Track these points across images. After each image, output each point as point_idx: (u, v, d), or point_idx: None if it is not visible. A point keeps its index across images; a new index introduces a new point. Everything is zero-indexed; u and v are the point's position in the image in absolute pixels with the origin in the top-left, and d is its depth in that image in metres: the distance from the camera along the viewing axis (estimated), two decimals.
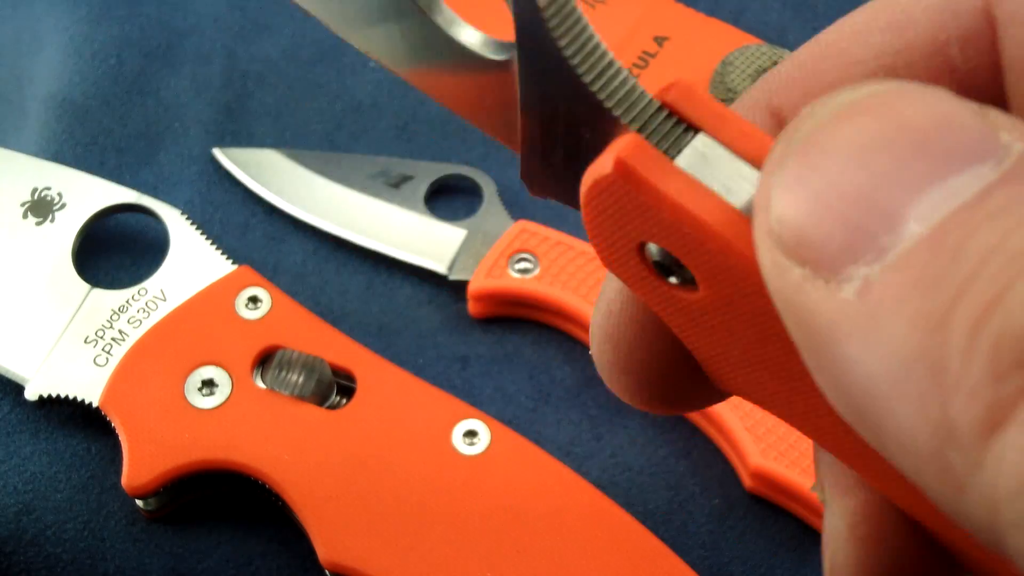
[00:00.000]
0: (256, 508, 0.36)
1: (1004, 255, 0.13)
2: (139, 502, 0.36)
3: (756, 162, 0.16)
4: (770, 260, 0.15)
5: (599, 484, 0.35)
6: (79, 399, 0.36)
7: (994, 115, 0.14)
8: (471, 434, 0.35)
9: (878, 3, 0.19)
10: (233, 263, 0.39)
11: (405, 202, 0.43)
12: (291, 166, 0.44)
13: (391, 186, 0.44)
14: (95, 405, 0.36)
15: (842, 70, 0.19)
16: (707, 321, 0.17)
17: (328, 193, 0.44)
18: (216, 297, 0.38)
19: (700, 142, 0.16)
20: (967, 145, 0.14)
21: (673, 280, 0.17)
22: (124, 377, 0.36)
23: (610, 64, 0.17)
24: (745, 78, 0.42)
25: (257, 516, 0.37)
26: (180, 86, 0.48)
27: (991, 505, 0.12)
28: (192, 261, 0.39)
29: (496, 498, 0.34)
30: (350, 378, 0.37)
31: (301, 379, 0.36)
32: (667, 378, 0.20)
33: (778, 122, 0.19)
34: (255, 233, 0.44)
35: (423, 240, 0.42)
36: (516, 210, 0.44)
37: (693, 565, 0.34)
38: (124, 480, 0.34)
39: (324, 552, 0.33)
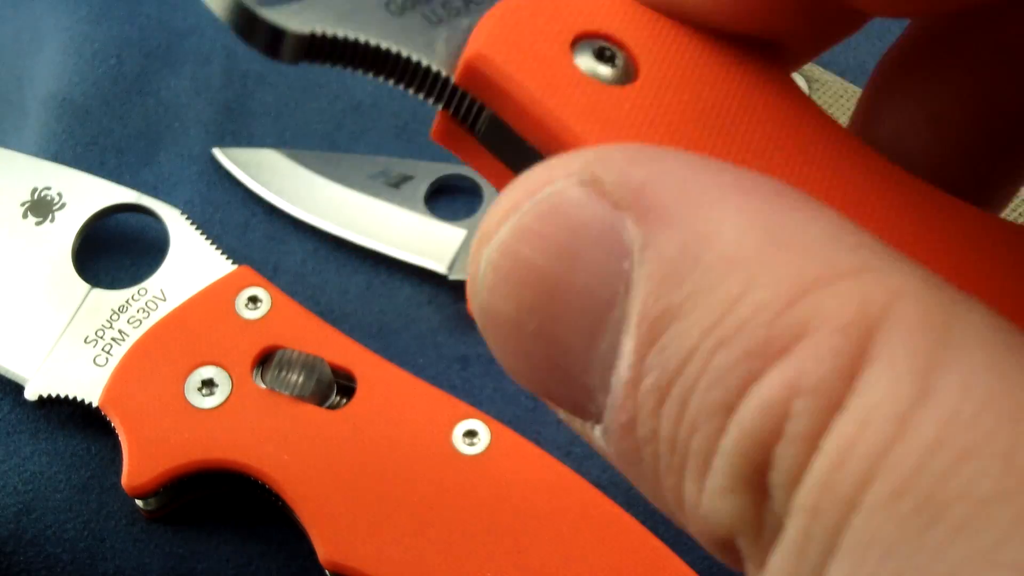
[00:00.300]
0: (256, 508, 0.36)
1: (666, 447, 0.13)
2: (139, 502, 0.36)
3: None
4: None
5: (599, 484, 0.35)
6: (79, 399, 0.36)
7: (613, 177, 0.14)
8: (471, 434, 0.35)
9: None
10: (233, 263, 0.39)
11: (405, 202, 0.43)
12: (291, 166, 0.44)
13: (391, 186, 0.44)
14: (95, 405, 0.36)
15: None
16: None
17: (328, 193, 0.44)
18: (216, 297, 0.38)
19: None
20: (603, 282, 0.14)
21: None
22: (124, 377, 0.36)
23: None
24: None
25: (257, 516, 0.37)
26: (180, 86, 0.48)
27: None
28: (192, 261, 0.39)
29: (496, 498, 0.34)
30: (350, 378, 0.37)
31: (301, 379, 0.36)
32: None
33: None
34: (255, 233, 0.44)
35: (423, 240, 0.42)
36: None
37: (693, 565, 0.34)
38: (124, 480, 0.34)
39: (324, 552, 0.33)
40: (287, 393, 0.36)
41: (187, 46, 0.49)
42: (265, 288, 0.38)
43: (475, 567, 0.33)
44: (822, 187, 0.18)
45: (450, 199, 0.44)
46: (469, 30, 0.17)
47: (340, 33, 0.16)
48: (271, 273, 0.42)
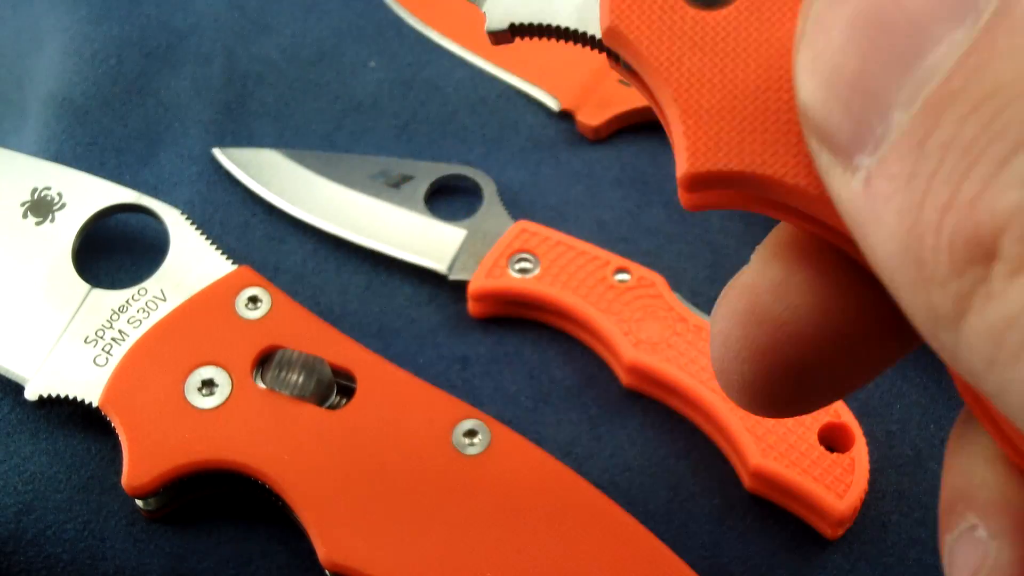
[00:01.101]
0: (256, 508, 0.36)
1: (957, 149, 0.14)
2: (139, 502, 0.36)
3: None
4: (808, 142, 0.16)
5: (599, 484, 0.35)
6: (79, 399, 0.36)
7: None
8: (471, 434, 0.35)
9: None
10: (233, 263, 0.39)
11: (405, 202, 0.43)
12: (291, 166, 0.44)
13: (391, 186, 0.44)
14: (95, 405, 0.36)
15: None
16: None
17: (328, 193, 0.44)
18: (216, 297, 0.38)
19: None
20: (944, 10, 0.14)
21: None
22: (124, 377, 0.36)
23: None
24: None
25: (257, 516, 0.37)
26: (180, 86, 0.48)
27: (974, 368, 0.14)
28: (192, 261, 0.39)
29: (496, 498, 0.34)
30: (350, 378, 0.37)
31: (301, 379, 0.36)
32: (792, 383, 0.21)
33: None
34: (255, 233, 0.44)
35: (423, 240, 0.42)
36: (516, 210, 0.44)
37: (693, 565, 0.34)
38: (124, 480, 0.34)
39: (324, 552, 0.33)
40: (287, 393, 0.36)
41: (187, 46, 0.49)
42: (265, 288, 0.38)
43: (475, 567, 0.33)
44: None
45: (450, 199, 0.44)
46: None
47: (532, 20, 0.21)
48: (271, 273, 0.42)
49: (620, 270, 0.40)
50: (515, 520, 0.34)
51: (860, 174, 0.15)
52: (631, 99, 0.45)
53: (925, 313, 0.15)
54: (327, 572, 0.34)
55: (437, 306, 0.42)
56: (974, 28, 0.14)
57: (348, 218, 0.43)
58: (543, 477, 0.35)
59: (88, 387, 0.36)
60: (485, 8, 0.22)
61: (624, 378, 0.40)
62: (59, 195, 0.40)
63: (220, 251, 0.39)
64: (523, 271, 0.41)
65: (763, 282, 0.21)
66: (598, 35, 0.21)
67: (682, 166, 0.19)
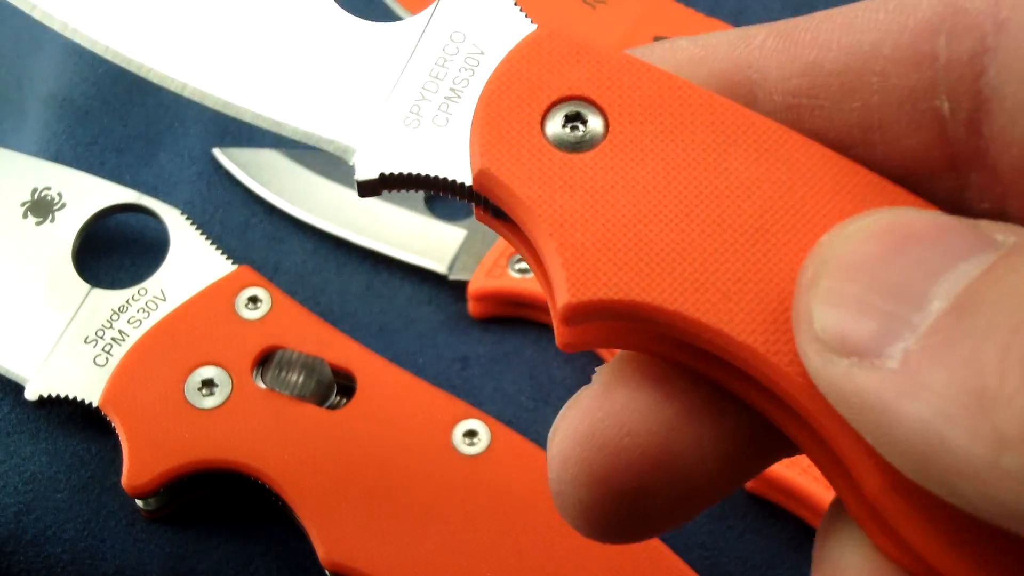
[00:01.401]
0: (256, 508, 0.36)
1: (1014, 299, 0.16)
2: (139, 502, 0.36)
3: None
4: (820, 360, 0.17)
5: None
6: (79, 399, 0.36)
7: (985, 224, 0.17)
8: (471, 434, 0.35)
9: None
10: (233, 263, 0.39)
11: (405, 202, 0.43)
12: (291, 166, 0.44)
13: None
14: (95, 405, 0.36)
15: (842, 35, 0.20)
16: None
17: (328, 193, 0.44)
18: (216, 297, 0.38)
19: None
20: (969, 242, 0.17)
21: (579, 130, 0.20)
22: (124, 377, 0.36)
23: None
24: None
25: (257, 516, 0.37)
26: None
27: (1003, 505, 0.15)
28: (192, 261, 0.39)
29: (496, 498, 0.34)
30: (350, 378, 0.37)
31: (301, 379, 0.36)
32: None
33: (747, 92, 0.21)
34: (255, 233, 0.44)
35: (423, 240, 0.42)
36: None
37: (693, 565, 0.34)
38: (124, 480, 0.34)
39: (324, 552, 0.33)
40: (287, 393, 0.36)
41: None
42: (265, 288, 0.38)
43: (475, 567, 0.33)
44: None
45: (450, 199, 0.44)
46: (467, 130, 0.21)
47: (401, 170, 0.22)
48: (271, 273, 0.42)
49: None
50: (515, 520, 0.34)
51: (894, 359, 0.16)
52: None
53: (985, 444, 0.15)
54: (327, 572, 0.34)
55: (437, 306, 0.42)
56: (996, 253, 0.16)
57: (348, 218, 0.43)
58: (543, 477, 0.35)
59: (88, 387, 0.36)
60: (354, 161, 0.22)
61: None
62: (59, 195, 0.40)
63: (220, 251, 0.39)
64: (523, 271, 0.41)
65: (605, 406, 0.21)
66: (468, 182, 0.21)
67: (561, 298, 0.19)
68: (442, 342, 0.41)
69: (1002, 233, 0.17)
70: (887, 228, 0.17)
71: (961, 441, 0.15)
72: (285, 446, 0.35)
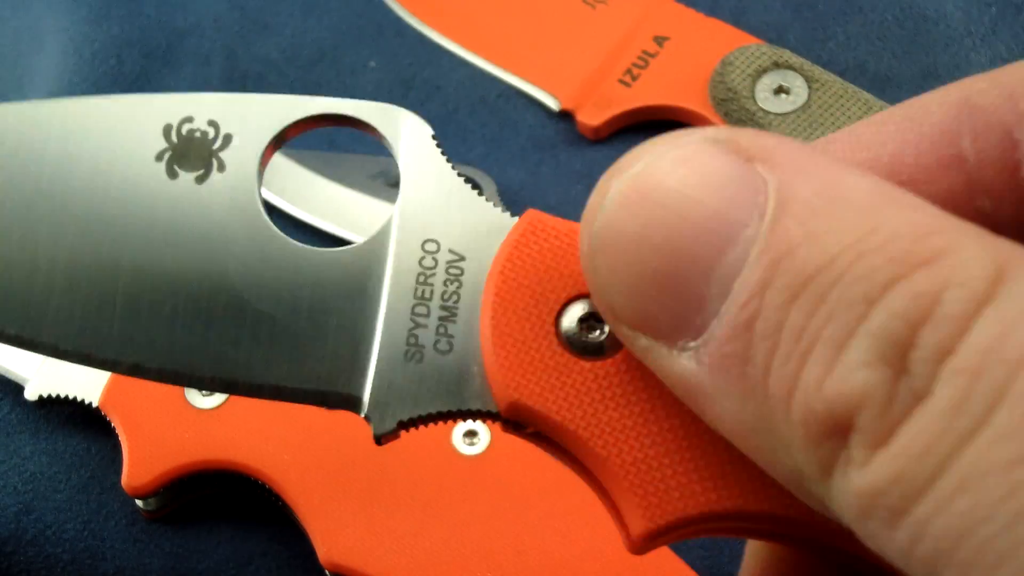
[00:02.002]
0: (256, 508, 0.36)
1: (788, 335, 0.15)
2: (139, 502, 0.36)
3: None
4: (617, 332, 0.18)
5: None
6: (79, 399, 0.36)
7: (747, 141, 0.17)
8: (471, 434, 0.35)
9: (904, 104, 0.20)
10: None
11: None
12: (291, 166, 0.44)
13: (391, 186, 0.44)
14: (95, 405, 0.36)
15: (852, 153, 0.20)
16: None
17: (328, 193, 0.44)
18: None
19: None
20: (732, 211, 0.16)
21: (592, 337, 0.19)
22: (124, 377, 0.36)
23: None
24: (745, 78, 0.42)
25: (257, 516, 0.37)
26: (180, 86, 0.48)
27: (847, 519, 0.15)
28: None
29: (496, 498, 0.34)
30: None
31: None
32: None
33: None
34: None
35: None
36: (516, 210, 0.44)
37: (693, 565, 0.34)
38: (124, 480, 0.34)
39: (324, 552, 0.33)
40: None
41: (187, 46, 0.49)
42: None
43: (475, 567, 0.33)
44: None
45: None
46: (475, 352, 0.20)
47: (419, 413, 0.20)
48: None
49: None
50: (515, 520, 0.34)
51: (687, 353, 0.16)
52: (631, 99, 0.45)
53: (789, 474, 0.16)
54: (327, 572, 0.34)
55: None
56: (762, 223, 0.16)
57: (348, 218, 0.43)
58: (543, 477, 0.35)
59: (88, 387, 0.36)
60: (366, 414, 0.20)
61: None
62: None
63: None
64: None
65: None
66: (495, 409, 0.20)
67: (638, 526, 0.18)
68: None
69: (763, 162, 0.17)
70: (641, 196, 0.17)
71: (767, 460, 0.16)
72: (285, 446, 0.35)
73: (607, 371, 0.19)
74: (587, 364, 0.19)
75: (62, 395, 0.36)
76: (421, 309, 0.20)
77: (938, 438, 0.14)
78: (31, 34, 0.50)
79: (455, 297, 0.20)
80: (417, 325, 0.20)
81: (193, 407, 0.35)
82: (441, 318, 0.20)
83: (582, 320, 0.19)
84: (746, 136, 0.17)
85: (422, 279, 0.20)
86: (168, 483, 0.35)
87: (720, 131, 0.17)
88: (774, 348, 0.15)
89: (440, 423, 0.20)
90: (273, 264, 0.22)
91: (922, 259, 0.15)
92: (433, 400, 0.20)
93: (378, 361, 0.20)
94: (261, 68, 0.48)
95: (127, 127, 0.23)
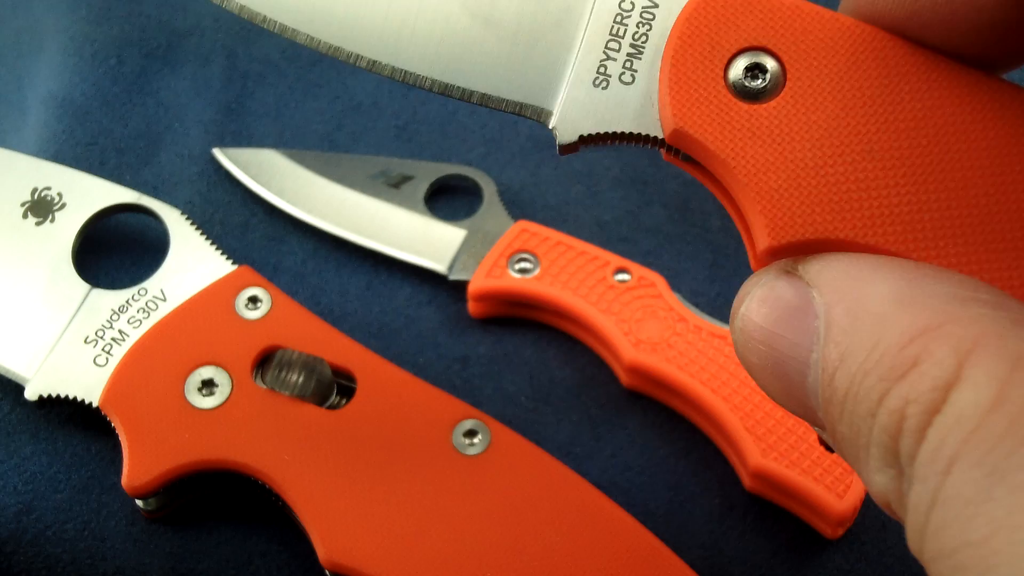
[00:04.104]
0: (256, 508, 0.36)
1: (845, 445, 0.21)
2: (139, 502, 0.36)
3: None
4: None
5: (599, 484, 0.35)
6: (79, 399, 0.36)
7: (805, 267, 0.22)
8: (471, 434, 0.35)
9: None
10: (233, 263, 0.39)
11: (405, 202, 0.43)
12: (291, 166, 0.44)
13: (391, 186, 0.44)
14: (95, 405, 0.36)
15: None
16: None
17: (328, 193, 0.44)
18: (216, 297, 0.38)
19: None
20: (804, 335, 0.22)
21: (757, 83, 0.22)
22: (124, 377, 0.36)
23: None
24: None
25: (257, 516, 0.37)
26: (180, 86, 0.48)
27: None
28: (192, 261, 0.39)
29: (496, 498, 0.34)
30: (350, 378, 0.37)
31: (301, 379, 0.36)
32: None
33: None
34: (255, 233, 0.44)
35: (423, 240, 0.42)
36: (516, 210, 0.44)
37: (693, 565, 0.34)
38: (124, 480, 0.34)
39: (324, 552, 0.33)
40: (287, 393, 0.36)
41: (187, 46, 0.49)
42: (265, 288, 0.38)
43: (475, 567, 0.33)
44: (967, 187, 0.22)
45: (450, 199, 0.44)
46: (653, 86, 0.23)
47: (598, 130, 0.24)
48: (271, 273, 0.42)
49: (620, 270, 0.40)
50: (515, 520, 0.34)
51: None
52: None
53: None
54: (327, 572, 0.34)
55: (437, 306, 0.42)
56: (819, 346, 0.21)
57: (348, 218, 0.43)
58: (543, 477, 0.35)
59: (88, 387, 0.36)
60: (554, 125, 0.24)
61: (624, 378, 0.40)
62: (59, 195, 0.40)
63: (220, 251, 0.39)
64: (523, 271, 0.41)
65: None
66: (660, 135, 0.23)
67: (762, 241, 0.22)
68: (442, 342, 0.41)
69: (815, 289, 0.21)
70: (746, 337, 0.22)
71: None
72: (285, 446, 0.35)
73: (761, 114, 0.22)
74: (745, 106, 0.22)
75: (62, 395, 0.36)
76: (613, 45, 0.24)
77: (922, 515, 0.18)
78: (31, 34, 0.50)
79: (644, 38, 0.23)
80: (608, 58, 0.24)
81: (193, 407, 0.35)
82: (629, 54, 0.23)
83: (747, 69, 0.22)
84: (806, 263, 0.22)
85: (619, 19, 0.24)
86: (168, 483, 0.35)
87: (792, 262, 0.22)
88: (846, 447, 0.20)
89: (613, 143, 0.24)
90: None
91: (899, 373, 0.19)
92: (611, 122, 0.23)
93: (570, 84, 0.24)
94: (261, 68, 0.48)
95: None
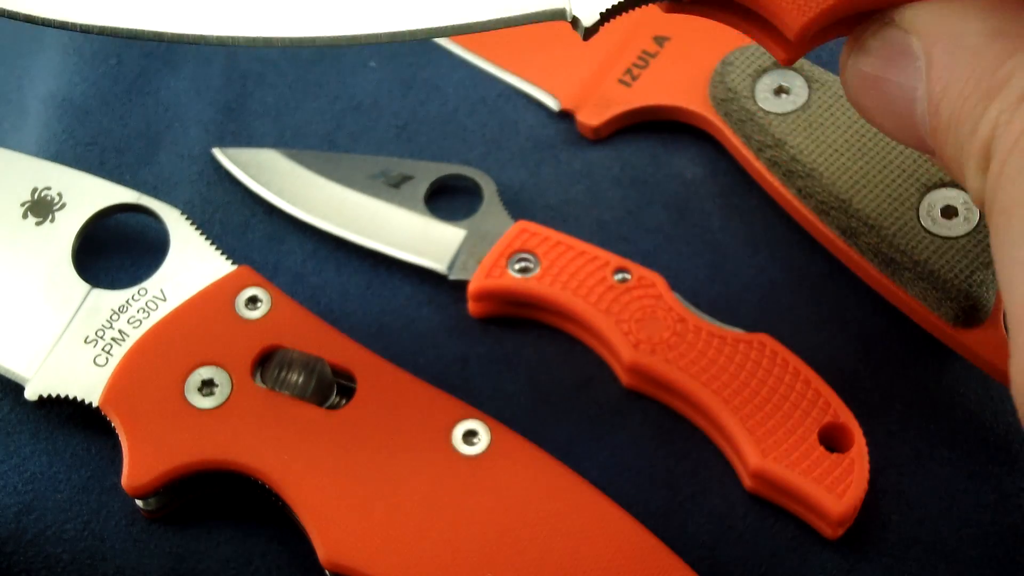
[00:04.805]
0: (256, 508, 0.36)
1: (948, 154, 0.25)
2: (139, 502, 0.36)
3: None
4: None
5: (599, 484, 0.35)
6: (79, 399, 0.36)
7: (901, 15, 0.26)
8: (471, 434, 0.35)
9: None
10: (233, 263, 0.39)
11: (405, 202, 0.43)
12: (291, 166, 0.44)
13: (391, 186, 0.44)
14: (95, 405, 0.36)
15: None
16: None
17: (328, 193, 0.44)
18: (216, 297, 0.38)
19: None
20: (909, 76, 0.26)
21: None
22: (124, 377, 0.36)
23: None
24: (745, 78, 0.42)
25: (257, 516, 0.37)
26: (180, 86, 0.48)
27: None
28: (192, 261, 0.39)
29: (496, 498, 0.34)
30: (350, 378, 0.37)
31: (301, 379, 0.36)
32: None
33: None
34: (255, 233, 0.44)
35: (423, 240, 0.42)
36: (516, 210, 0.44)
37: (693, 565, 0.34)
38: (124, 480, 0.34)
39: (324, 552, 0.33)
40: (287, 393, 0.36)
41: (187, 46, 0.49)
42: (265, 288, 0.38)
43: (475, 567, 0.33)
44: None
45: (450, 199, 0.44)
46: None
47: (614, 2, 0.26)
48: (271, 273, 0.42)
49: (620, 270, 0.40)
50: (515, 520, 0.34)
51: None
52: (631, 99, 0.45)
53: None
54: (327, 572, 0.34)
55: (437, 306, 0.42)
56: (923, 83, 0.25)
57: (348, 218, 0.43)
58: (543, 477, 0.35)
59: (88, 387, 0.36)
60: (572, 15, 0.25)
61: (624, 378, 0.40)
62: (59, 195, 0.40)
63: (220, 251, 0.39)
64: (523, 271, 0.41)
65: None
66: None
67: (795, 22, 0.25)
68: (442, 342, 0.41)
69: (914, 35, 0.26)
70: (861, 83, 0.27)
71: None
72: (285, 446, 0.35)
73: None
74: None
75: (62, 395, 0.36)
76: None
77: (993, 179, 0.23)
78: (31, 34, 0.50)
79: None
80: None
81: (193, 407, 0.35)
82: None
83: None
84: (901, 12, 0.25)
85: None
86: (168, 483, 0.35)
87: (889, 13, 0.26)
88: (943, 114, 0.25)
89: (630, 9, 0.26)
90: None
91: (995, 92, 0.23)
92: None
93: None
94: (261, 68, 0.48)
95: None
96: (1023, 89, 0.22)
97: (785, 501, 0.37)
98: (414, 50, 0.50)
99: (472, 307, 0.41)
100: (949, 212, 0.38)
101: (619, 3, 0.25)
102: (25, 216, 0.40)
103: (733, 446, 0.37)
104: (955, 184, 0.38)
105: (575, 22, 0.25)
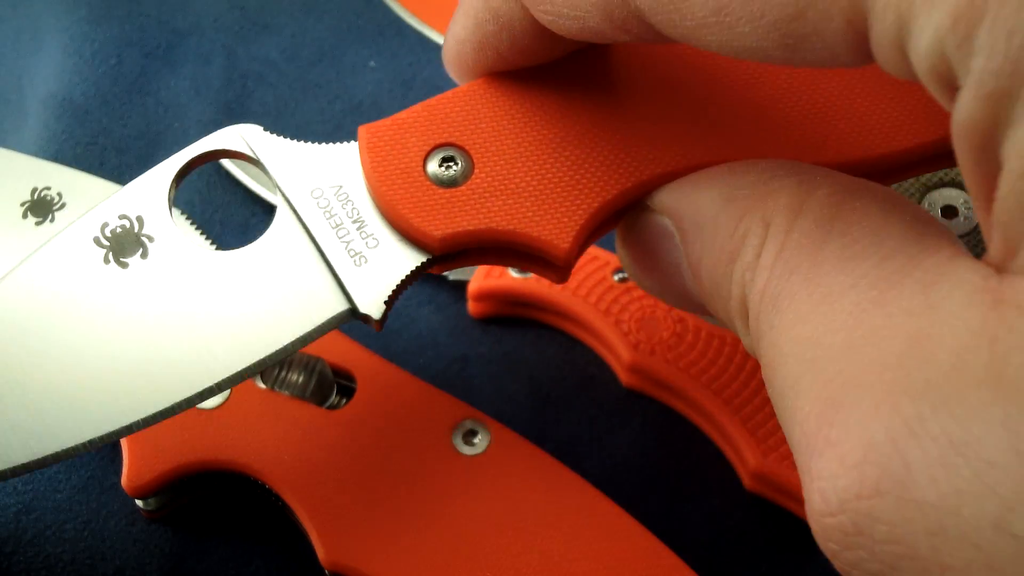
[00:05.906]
0: (256, 508, 0.36)
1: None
2: (139, 502, 0.36)
3: None
4: None
5: (599, 484, 0.35)
6: None
7: None
8: (471, 434, 0.35)
9: None
10: None
11: None
12: None
13: None
14: None
15: None
16: None
17: None
18: None
19: None
20: None
21: None
22: None
23: None
24: None
25: (257, 516, 0.37)
26: (180, 86, 0.48)
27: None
28: None
29: (496, 498, 0.34)
30: (350, 378, 0.37)
31: (301, 379, 0.36)
32: None
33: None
34: (255, 233, 0.44)
35: None
36: None
37: (693, 565, 0.34)
38: (124, 480, 0.34)
39: (324, 552, 0.33)
40: (287, 393, 0.36)
41: (187, 46, 0.49)
42: None
43: (475, 567, 0.33)
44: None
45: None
46: (395, 239, 0.27)
47: (391, 290, 0.28)
48: None
49: (620, 270, 0.40)
50: (515, 520, 0.34)
51: None
52: None
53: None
54: (327, 572, 0.34)
55: (437, 306, 0.42)
56: (682, 258, 0.26)
57: None
58: (543, 477, 0.35)
59: None
60: (364, 312, 0.27)
61: (624, 378, 0.40)
62: (59, 195, 0.40)
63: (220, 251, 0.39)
64: (523, 271, 0.41)
65: None
66: (431, 256, 0.28)
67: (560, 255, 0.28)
68: (442, 342, 0.41)
69: None
70: None
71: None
72: (285, 446, 0.35)
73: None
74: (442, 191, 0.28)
75: None
76: (340, 231, 0.27)
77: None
78: (31, 34, 0.50)
79: (355, 210, 0.28)
80: (344, 238, 0.27)
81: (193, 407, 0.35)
82: (356, 224, 0.27)
83: (441, 160, 0.28)
84: (651, 198, 0.27)
85: (325, 208, 0.28)
86: (168, 483, 0.35)
87: (643, 200, 0.27)
88: None
89: (410, 286, 0.27)
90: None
91: (736, 254, 0.23)
92: (393, 273, 0.27)
93: (341, 275, 0.27)
94: (261, 68, 0.48)
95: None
96: (757, 247, 0.23)
97: (785, 501, 0.37)
98: (414, 50, 0.50)
99: (472, 307, 0.41)
100: (949, 212, 0.38)
101: (397, 288, 0.27)
102: (25, 216, 0.40)
103: (733, 446, 0.37)
104: (955, 184, 0.38)
105: (366, 318, 0.27)
